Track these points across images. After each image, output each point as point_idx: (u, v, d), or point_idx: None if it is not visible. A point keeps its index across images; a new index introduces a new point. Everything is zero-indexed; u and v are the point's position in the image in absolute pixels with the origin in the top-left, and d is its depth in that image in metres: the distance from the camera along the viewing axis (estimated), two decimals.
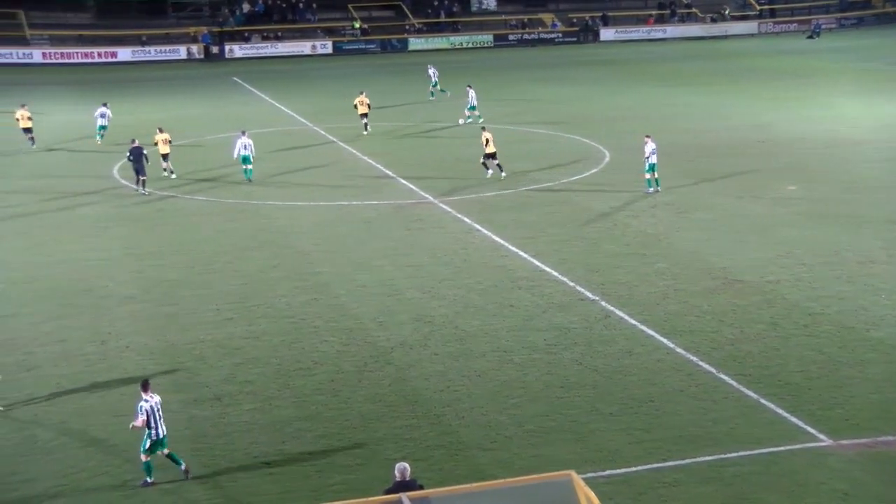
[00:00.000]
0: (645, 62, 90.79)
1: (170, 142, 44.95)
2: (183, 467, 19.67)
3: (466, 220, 37.10)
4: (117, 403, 22.67)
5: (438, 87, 69.43)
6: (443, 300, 28.91)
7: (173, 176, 44.56)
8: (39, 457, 20.52)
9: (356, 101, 55.26)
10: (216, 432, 21.36)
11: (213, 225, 37.36)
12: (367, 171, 46.20)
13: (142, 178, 41.90)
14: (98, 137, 52.83)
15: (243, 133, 44.10)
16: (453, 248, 33.80)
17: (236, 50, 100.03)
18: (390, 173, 45.19)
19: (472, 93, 58.34)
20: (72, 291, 30.18)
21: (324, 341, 26.04)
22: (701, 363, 24.21)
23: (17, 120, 52.73)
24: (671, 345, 25.35)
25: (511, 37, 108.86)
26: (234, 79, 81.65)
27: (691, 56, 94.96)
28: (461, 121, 58.10)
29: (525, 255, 32.71)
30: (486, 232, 35.50)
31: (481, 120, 56.32)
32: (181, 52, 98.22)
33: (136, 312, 28.43)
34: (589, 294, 29.04)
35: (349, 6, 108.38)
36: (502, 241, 34.28)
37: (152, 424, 19.43)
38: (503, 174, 43.44)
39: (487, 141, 42.89)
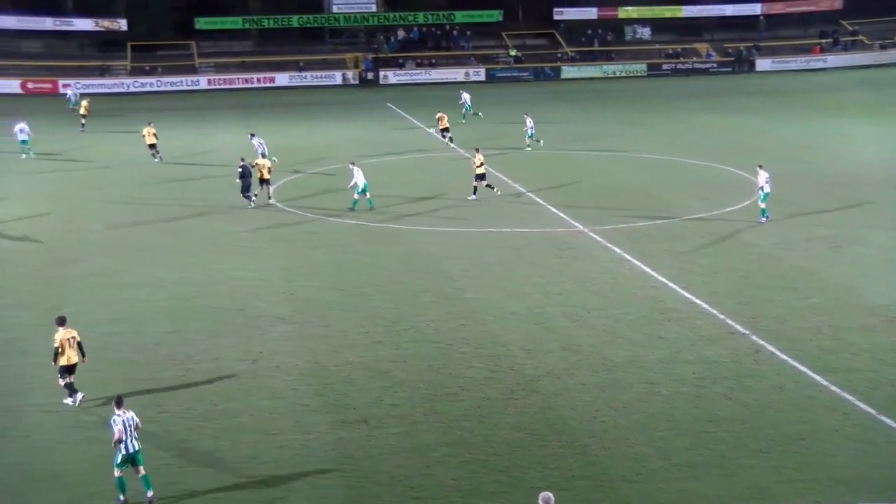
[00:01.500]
0: (803, 92, 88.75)
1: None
2: (149, 495, 19.68)
3: (616, 249, 36.82)
4: (267, 422, 23.18)
5: (471, 111, 72.04)
6: (591, 329, 28.74)
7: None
8: (196, 469, 21.12)
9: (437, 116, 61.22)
10: (362, 454, 21.63)
11: (364, 248, 37.90)
12: (516, 198, 46.25)
13: (249, 193, 44.64)
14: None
15: (353, 164, 44.43)
16: (602, 278, 33.59)
17: (390, 76, 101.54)
18: (540, 200, 45.16)
19: (529, 120, 59.11)
20: (227, 310, 31.00)
21: (471, 367, 26.14)
22: (858, 403, 23.46)
23: (144, 136, 56.20)
24: (824, 382, 24.65)
25: (665, 66, 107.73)
26: (388, 104, 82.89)
27: (854, 85, 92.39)
28: (528, 148, 58.77)
29: (675, 287, 32.28)
30: (635, 262, 35.16)
31: (541, 143, 58.59)
32: (337, 77, 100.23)
33: (288, 333, 29.04)
34: (739, 327, 28.48)
35: (503, 34, 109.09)
36: (652, 272, 33.91)
37: (128, 440, 19.83)
38: (497, 192, 45.81)
39: (481, 163, 44.94)
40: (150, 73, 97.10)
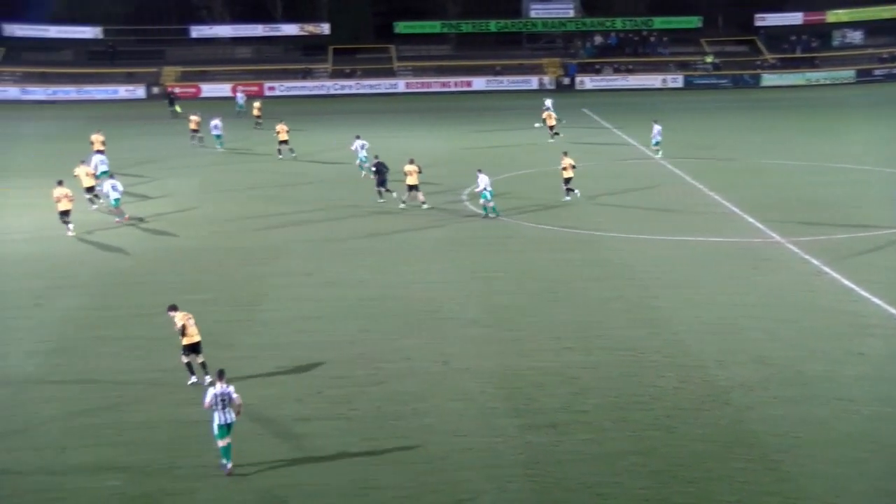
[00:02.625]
0: None
1: None
2: (228, 466, 21.12)
3: (814, 261, 35.73)
4: (455, 423, 23.46)
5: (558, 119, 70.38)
6: (785, 342, 28.00)
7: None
8: (388, 467, 21.54)
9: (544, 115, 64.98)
10: (550, 460, 21.67)
11: (556, 253, 37.89)
12: (712, 206, 45.40)
13: (384, 189, 46.57)
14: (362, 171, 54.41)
15: (480, 171, 44.16)
16: (799, 290, 32.67)
17: (587, 81, 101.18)
18: (735, 210, 44.21)
19: (657, 128, 58.31)
20: (419, 311, 31.48)
21: (661, 376, 25.84)
22: None
23: (277, 133, 59.45)
24: None
25: (877, 72, 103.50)
26: (584, 110, 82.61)
27: None
28: (657, 155, 57.99)
29: (878, 301, 31.12)
30: (835, 275, 34.05)
31: (659, 155, 57.61)
32: (533, 82, 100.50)
33: (479, 336, 29.30)
34: None
35: (702, 41, 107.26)
36: (853, 286, 32.77)
37: (219, 412, 21.22)
38: (577, 194, 46.15)
39: (571, 166, 45.88)
40: (350, 76, 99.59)
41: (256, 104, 74.37)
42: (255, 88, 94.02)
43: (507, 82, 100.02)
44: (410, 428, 23.35)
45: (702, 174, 52.38)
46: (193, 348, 25.86)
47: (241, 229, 42.14)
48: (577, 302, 32.08)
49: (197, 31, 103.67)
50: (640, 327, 29.46)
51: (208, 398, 21.37)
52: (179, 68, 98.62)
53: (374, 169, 47.31)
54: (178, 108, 79.02)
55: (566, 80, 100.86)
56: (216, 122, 63.38)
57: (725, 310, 30.85)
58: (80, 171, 45.95)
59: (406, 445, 22.48)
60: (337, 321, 30.69)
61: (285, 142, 59.71)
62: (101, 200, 45.68)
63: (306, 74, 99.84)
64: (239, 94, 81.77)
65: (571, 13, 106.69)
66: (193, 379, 25.98)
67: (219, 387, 21.44)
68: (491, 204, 43.49)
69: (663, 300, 31.98)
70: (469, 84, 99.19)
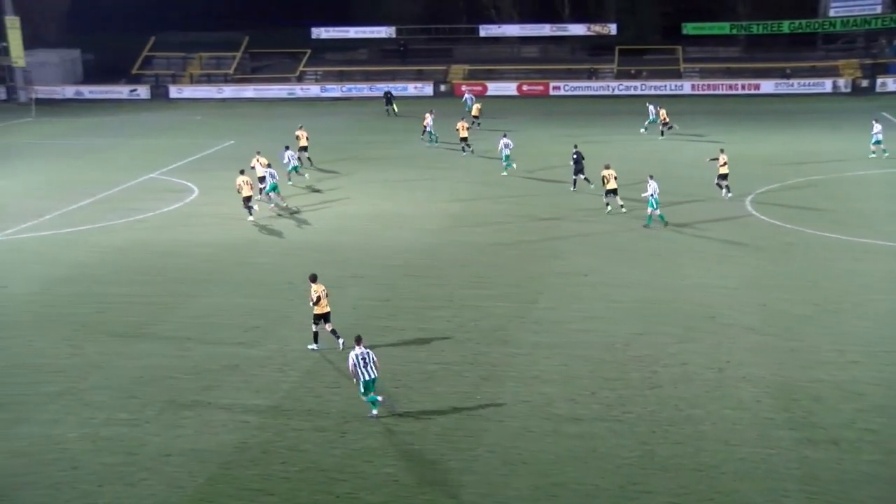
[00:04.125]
0: None
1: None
2: (374, 413, 23.99)
3: None
4: (729, 432, 22.97)
5: (655, 122, 68.22)
6: None
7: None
8: (659, 472, 21.37)
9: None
10: (831, 478, 20.85)
11: (842, 263, 36.33)
12: None
13: (581, 177, 48.70)
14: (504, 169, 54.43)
15: (651, 177, 42.64)
16: None
17: (889, 83, 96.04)
18: None
19: (878, 126, 56.68)
20: (696, 316, 30.97)
21: None
22: None
23: (297, 138, 56.79)
24: None
25: None
26: (884, 113, 78.56)
27: None
28: (871, 155, 56.32)
29: None
30: None
31: (886, 155, 55.16)
32: (826, 85, 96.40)
33: (756, 344, 28.53)
34: None
35: None
36: None
37: (360, 370, 23.82)
38: (729, 195, 45.63)
39: (725, 163, 46.18)
40: (636, 76, 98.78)
41: (477, 105, 74.42)
42: (541, 88, 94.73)
43: (797, 85, 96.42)
44: (684, 434, 23.03)
45: None
46: (325, 318, 28.46)
47: (519, 228, 42.59)
48: (864, 314, 30.67)
49: (485, 31, 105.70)
50: None
51: (350, 361, 24.04)
52: (467, 66, 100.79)
53: (573, 158, 49.13)
54: (395, 108, 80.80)
55: (864, 83, 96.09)
56: (429, 119, 64.73)
57: None
58: (256, 162, 48.94)
59: (679, 452, 22.19)
60: (613, 323, 30.61)
61: (304, 148, 56.76)
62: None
63: (592, 74, 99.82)
64: (467, 95, 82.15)
65: (878, 9, 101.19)
66: (314, 346, 28.63)
67: (358, 350, 24.05)
68: (658, 212, 42.28)
69: None
70: (757, 87, 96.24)
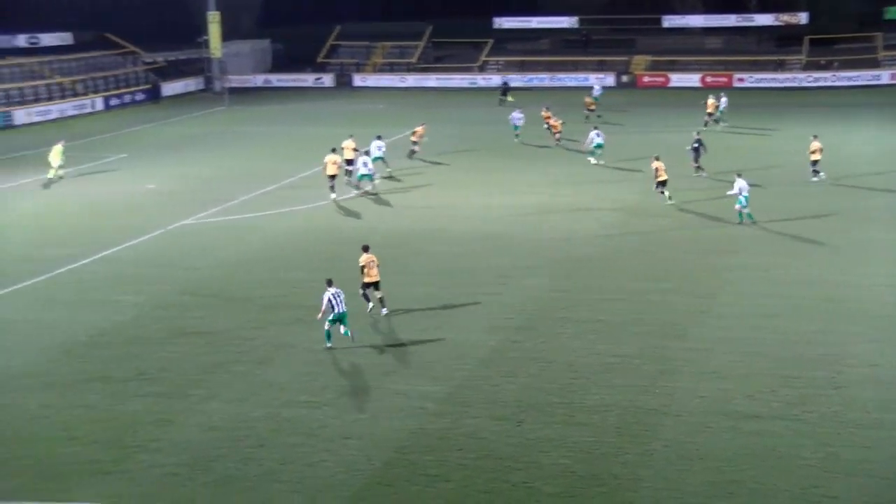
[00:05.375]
0: None
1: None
2: (350, 334, 28.07)
3: None
4: None
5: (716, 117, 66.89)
6: None
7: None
8: (844, 477, 20.71)
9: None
10: None
11: None
12: None
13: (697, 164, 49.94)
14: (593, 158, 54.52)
15: (739, 175, 41.62)
16: None
17: None
18: None
19: None
20: (882, 316, 29.95)
21: None
22: None
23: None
24: None
25: None
26: None
27: None
28: None
29: None
30: None
31: None
32: None
33: None
34: None
35: None
36: None
37: (334, 306, 27.77)
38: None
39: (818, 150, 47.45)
40: (826, 67, 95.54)
41: (588, 99, 73.00)
42: (725, 79, 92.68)
43: None
44: (872, 438, 22.27)
45: None
46: (374, 286, 30.75)
47: (693, 221, 41.86)
48: None
49: (669, 21, 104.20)
50: None
51: (325, 299, 27.84)
52: (649, 57, 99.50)
53: (694, 146, 50.07)
54: (510, 99, 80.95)
55: None
56: (517, 113, 63.91)
57: None
58: (347, 144, 50.47)
59: (867, 457, 21.44)
60: (793, 319, 29.83)
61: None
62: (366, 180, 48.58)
63: (778, 66, 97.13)
64: (597, 87, 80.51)
65: None
66: (371, 305, 30.99)
67: (332, 290, 28.01)
68: (746, 210, 40.90)
69: None
70: None
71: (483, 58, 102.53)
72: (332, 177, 47.00)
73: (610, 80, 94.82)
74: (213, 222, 44.18)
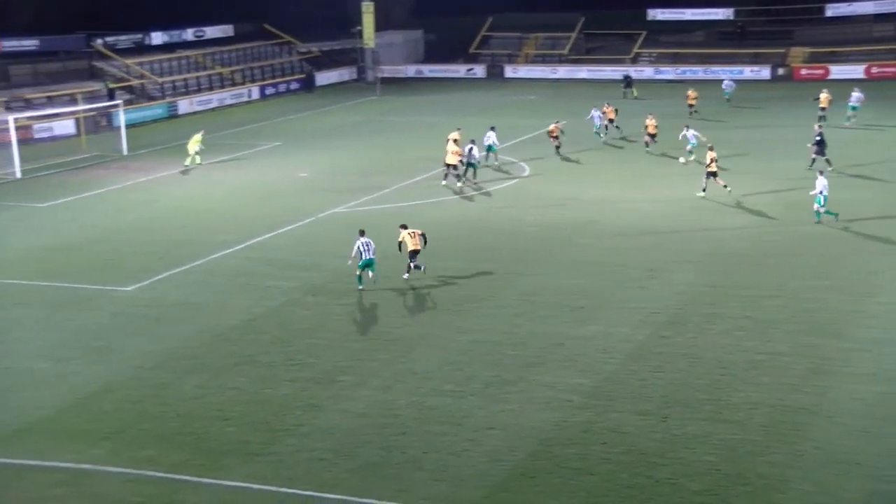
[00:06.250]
0: None
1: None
2: (371, 275, 32.96)
3: None
4: None
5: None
6: None
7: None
8: None
9: None
10: None
11: None
12: None
13: (822, 157, 48.14)
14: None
15: (821, 173, 40.36)
16: None
17: None
18: None
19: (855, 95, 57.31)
20: None
21: None
22: None
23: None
24: None
25: None
26: None
27: None
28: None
29: None
30: None
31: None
32: None
33: None
34: None
35: None
36: None
37: (362, 253, 32.39)
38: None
39: None
40: None
41: (691, 93, 70.46)
42: (894, 69, 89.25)
43: None
44: None
45: None
46: (415, 253, 33.66)
47: (848, 219, 40.54)
48: None
49: (833, 9, 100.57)
50: None
51: (356, 246, 32.47)
52: (808, 49, 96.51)
53: (815, 140, 48.55)
54: (634, 92, 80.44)
55: None
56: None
57: None
58: (454, 135, 50.40)
59: None
60: None
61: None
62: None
63: None
64: (727, 82, 77.93)
65: None
66: (418, 266, 33.62)
67: (363, 239, 32.62)
68: (823, 209, 39.38)
69: None
70: None
71: (636, 49, 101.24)
72: (454, 166, 48.08)
73: (766, 72, 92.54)
74: (364, 211, 44.77)
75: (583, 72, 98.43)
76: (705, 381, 25.15)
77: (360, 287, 32.90)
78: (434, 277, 34.30)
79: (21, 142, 57.76)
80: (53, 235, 42.15)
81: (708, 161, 44.43)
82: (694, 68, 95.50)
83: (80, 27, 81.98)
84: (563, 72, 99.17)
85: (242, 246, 39.26)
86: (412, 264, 33.73)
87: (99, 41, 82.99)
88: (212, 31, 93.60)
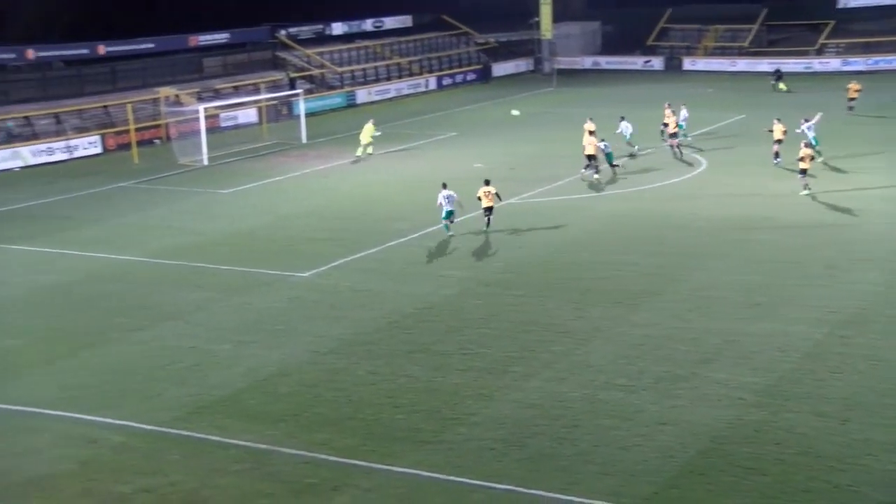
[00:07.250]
0: None
1: None
2: (449, 233, 38.54)
3: None
4: None
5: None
6: None
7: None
8: None
9: None
10: None
11: None
12: None
13: None
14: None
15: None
16: None
17: None
18: None
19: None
20: None
21: None
22: None
23: (668, 121, 54.76)
24: None
25: None
26: None
27: None
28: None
29: None
30: None
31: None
32: None
33: None
34: None
35: None
36: None
37: (443, 205, 38.32)
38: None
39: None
40: None
41: (853, 85, 66.39)
42: None
43: None
44: None
45: None
46: (489, 209, 38.95)
47: None
48: None
49: None
50: None
51: (440, 197, 38.62)
52: None
53: None
54: (782, 86, 77.79)
55: None
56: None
57: None
58: (589, 126, 51.40)
59: None
60: None
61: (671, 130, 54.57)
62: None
63: None
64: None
65: None
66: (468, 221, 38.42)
67: (445, 192, 38.51)
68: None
69: None
70: None
71: (822, 40, 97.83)
72: (590, 157, 48.24)
73: None
74: (538, 202, 44.82)
75: (763, 64, 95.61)
76: (889, 385, 24.30)
77: (450, 233, 38.54)
78: (606, 271, 34.12)
79: (209, 130, 60.04)
80: (234, 221, 43.63)
81: (800, 156, 42.90)
82: (889, 58, 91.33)
83: (266, 19, 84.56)
84: (742, 64, 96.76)
85: (417, 235, 39.82)
86: (488, 218, 38.98)
87: (283, 32, 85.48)
88: (390, 22, 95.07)
